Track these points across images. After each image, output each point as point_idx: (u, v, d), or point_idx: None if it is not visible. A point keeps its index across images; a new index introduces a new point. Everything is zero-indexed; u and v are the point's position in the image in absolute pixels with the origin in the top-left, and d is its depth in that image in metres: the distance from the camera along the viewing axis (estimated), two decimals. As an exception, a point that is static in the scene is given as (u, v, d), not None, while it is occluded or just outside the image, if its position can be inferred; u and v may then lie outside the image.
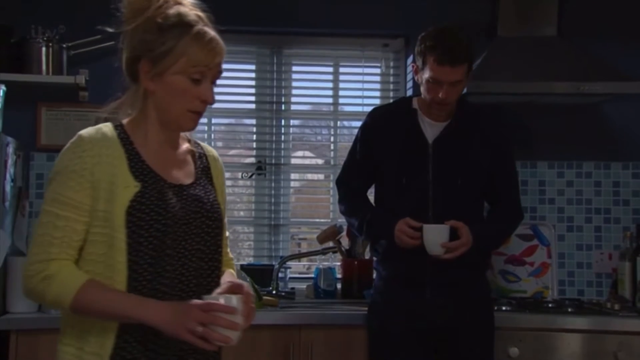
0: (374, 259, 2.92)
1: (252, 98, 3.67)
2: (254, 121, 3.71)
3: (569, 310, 3.01)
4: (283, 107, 3.69)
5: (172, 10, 1.67)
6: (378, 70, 3.73)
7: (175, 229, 1.67)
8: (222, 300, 1.59)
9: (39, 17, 3.28)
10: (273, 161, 3.66)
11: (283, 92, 3.68)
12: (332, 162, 3.74)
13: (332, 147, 3.77)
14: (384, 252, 2.74)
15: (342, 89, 3.75)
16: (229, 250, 1.90)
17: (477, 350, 2.68)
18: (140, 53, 1.67)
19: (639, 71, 3.25)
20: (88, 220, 1.63)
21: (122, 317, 1.60)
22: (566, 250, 3.50)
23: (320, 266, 3.42)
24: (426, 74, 2.59)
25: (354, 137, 2.89)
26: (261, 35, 3.55)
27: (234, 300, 1.60)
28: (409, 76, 3.55)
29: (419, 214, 2.61)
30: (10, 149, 2.92)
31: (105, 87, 3.53)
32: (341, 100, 3.75)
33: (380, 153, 2.73)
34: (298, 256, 3.63)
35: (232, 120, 3.78)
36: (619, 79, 3.16)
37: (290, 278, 3.54)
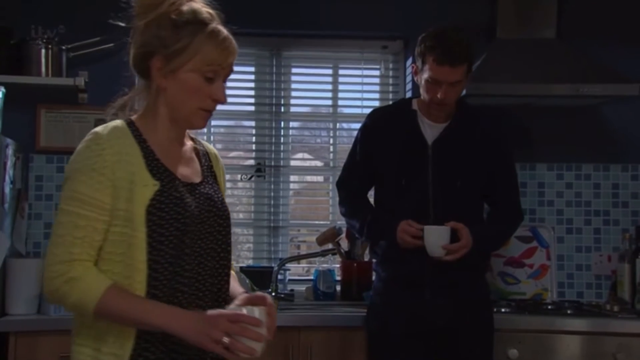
0: (373, 260, 2.92)
1: (252, 100, 3.67)
2: (253, 123, 3.71)
3: (568, 312, 3.01)
4: (282, 109, 3.69)
5: (186, 7, 1.66)
6: (377, 72, 3.73)
7: (192, 228, 1.66)
8: (244, 311, 1.59)
9: (38, 19, 3.29)
10: (272, 163, 3.66)
11: (282, 94, 3.69)
12: (331, 164, 3.74)
13: (331, 149, 3.77)
14: (383, 254, 2.74)
15: (342, 90, 3.75)
16: None
17: (476, 352, 2.68)
18: (154, 49, 1.65)
19: (638, 73, 3.25)
20: (108, 220, 1.61)
21: (146, 324, 1.58)
22: (565, 252, 3.50)
23: (320, 268, 3.42)
24: (425, 74, 2.59)
25: (353, 139, 2.89)
26: (261, 37, 3.56)
27: (260, 312, 1.60)
28: (408, 78, 3.56)
29: (418, 215, 2.61)
30: (10, 151, 2.92)
31: (105, 88, 3.53)
32: (340, 102, 3.76)
33: (380, 154, 2.73)
34: (297, 258, 3.64)
35: (232, 123, 3.79)
36: (618, 81, 3.16)
37: (289, 280, 3.54)
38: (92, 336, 1.63)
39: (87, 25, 3.28)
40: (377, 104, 3.67)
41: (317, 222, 3.77)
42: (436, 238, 2.57)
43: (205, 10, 1.68)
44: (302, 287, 3.43)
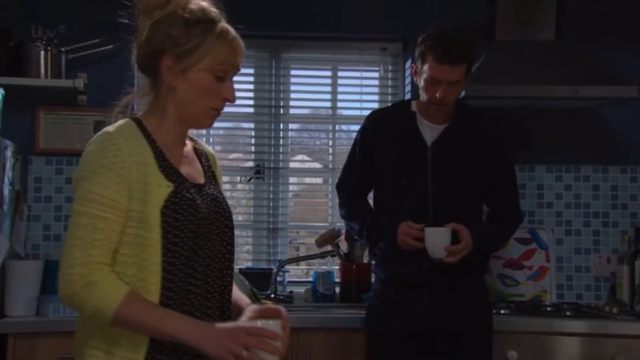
0: (372, 262, 2.92)
1: (251, 102, 3.67)
2: (252, 125, 3.71)
3: (568, 313, 3.01)
4: (282, 111, 3.69)
5: (195, 6, 1.66)
6: (376, 74, 3.73)
7: (204, 230, 1.66)
8: (259, 323, 1.59)
9: (38, 20, 3.29)
10: (272, 165, 3.66)
11: (282, 96, 3.69)
12: (330, 166, 3.74)
13: (330, 151, 3.77)
14: (382, 256, 2.74)
15: (341, 92, 3.75)
16: None
17: (475, 353, 2.68)
18: (164, 48, 1.64)
19: (637, 75, 3.26)
20: (124, 221, 1.59)
21: (164, 334, 1.57)
22: (564, 254, 3.50)
23: (319, 270, 3.42)
24: (425, 73, 2.60)
25: (352, 141, 2.89)
26: (260, 39, 3.56)
27: (276, 325, 1.61)
28: (407, 80, 3.56)
29: (418, 216, 2.61)
30: (9, 153, 2.92)
31: (104, 90, 3.53)
32: (339, 104, 3.76)
33: (379, 156, 2.73)
34: (296, 260, 3.63)
35: (231, 124, 3.79)
36: (617, 82, 3.17)
37: (288, 282, 3.54)
38: (106, 339, 1.60)
39: (87, 26, 3.29)
40: (376, 105, 3.67)
41: (316, 224, 3.77)
42: (437, 239, 2.57)
43: (212, 9, 1.68)
44: (301, 289, 3.43)
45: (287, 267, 3.50)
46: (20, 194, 3.11)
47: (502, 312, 2.98)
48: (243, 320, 1.64)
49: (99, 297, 1.54)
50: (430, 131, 2.71)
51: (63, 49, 3.19)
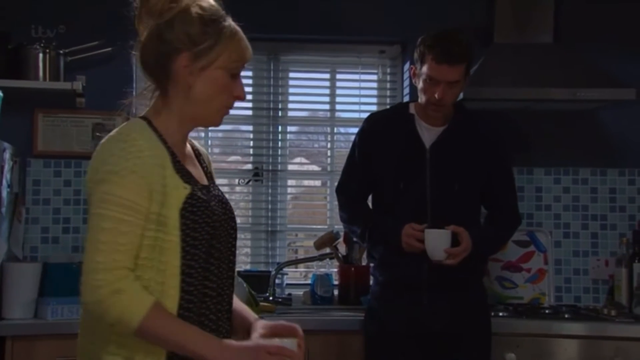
0: (371, 264, 2.92)
1: (249, 104, 3.67)
2: (251, 127, 3.71)
3: (566, 316, 3.01)
4: (280, 114, 3.69)
5: (206, 4, 1.65)
6: (375, 77, 3.73)
7: (218, 232, 1.66)
8: (276, 341, 1.60)
9: (38, 20, 3.30)
10: (270, 167, 3.66)
11: (280, 99, 3.69)
12: (328, 169, 3.75)
13: (328, 154, 3.77)
14: (381, 258, 2.75)
15: (339, 95, 3.75)
16: None
17: (474, 356, 2.68)
18: (182, 46, 1.62)
19: (635, 78, 3.26)
20: (145, 224, 1.56)
21: (184, 350, 1.55)
22: (563, 257, 3.50)
23: (317, 272, 3.42)
24: (424, 74, 2.60)
25: (350, 144, 2.90)
26: (258, 41, 3.53)
27: (293, 344, 1.61)
28: (406, 82, 3.56)
29: (416, 218, 2.62)
30: (7, 155, 2.92)
31: (103, 93, 3.56)
32: (338, 107, 3.76)
33: (378, 158, 2.74)
34: (295, 262, 3.63)
35: (229, 127, 3.78)
36: (615, 85, 3.17)
37: (287, 284, 3.53)
38: (124, 344, 1.57)
39: (86, 27, 3.29)
40: (374, 108, 3.67)
41: (314, 226, 3.76)
42: (438, 241, 2.57)
43: (219, 6, 1.68)
44: (299, 292, 3.43)
45: (285, 269, 3.50)
46: (18, 197, 3.11)
47: (501, 314, 2.98)
48: (256, 337, 1.64)
49: (125, 307, 1.51)
50: (428, 133, 2.71)
51: (62, 52, 3.19)
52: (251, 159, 3.69)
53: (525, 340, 2.86)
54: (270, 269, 3.47)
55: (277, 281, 3.39)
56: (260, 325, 1.70)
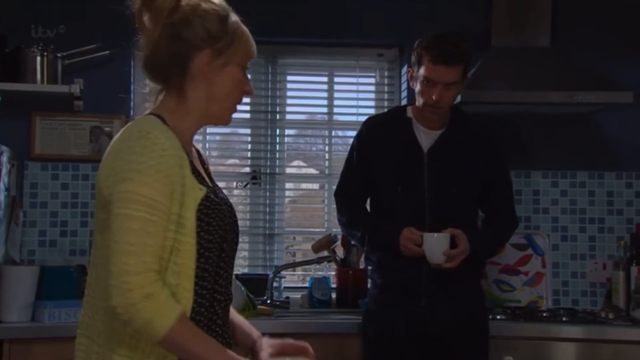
0: (369, 268, 2.92)
1: (247, 107, 3.67)
2: (248, 131, 3.71)
3: (564, 319, 3.01)
4: (278, 117, 3.69)
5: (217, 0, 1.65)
6: (372, 80, 3.74)
7: (228, 235, 1.64)
8: None
9: (38, 20, 3.30)
10: (268, 171, 3.66)
11: (278, 102, 3.69)
12: (326, 172, 3.75)
13: (326, 157, 3.77)
14: (379, 261, 2.75)
15: (337, 98, 3.75)
16: None
17: (472, 359, 2.68)
18: (202, 43, 1.60)
19: (632, 81, 3.26)
20: (167, 225, 1.52)
21: None
22: (560, 260, 3.50)
23: (315, 275, 3.42)
24: (421, 76, 2.60)
25: (348, 147, 2.90)
26: (256, 44, 3.56)
27: None
28: (404, 86, 3.57)
29: (415, 222, 2.62)
30: (4, 158, 2.92)
31: (100, 96, 3.56)
32: (336, 110, 3.76)
33: (376, 162, 2.74)
34: (292, 265, 3.63)
35: (227, 130, 3.78)
36: (612, 88, 3.17)
37: (284, 287, 3.53)
38: (137, 348, 1.53)
39: (86, 28, 3.29)
40: (372, 111, 3.67)
41: (312, 229, 3.76)
42: (436, 245, 2.57)
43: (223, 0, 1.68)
44: (297, 295, 3.43)
45: (283, 272, 3.50)
46: (15, 200, 3.11)
47: (499, 317, 2.98)
48: (265, 356, 1.63)
49: (154, 312, 1.46)
50: (426, 137, 2.71)
51: (59, 55, 3.19)
52: (249, 162, 3.69)
53: (523, 343, 2.86)
54: (268, 272, 3.46)
55: (274, 284, 3.38)
56: (267, 343, 1.68)
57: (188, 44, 1.61)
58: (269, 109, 3.68)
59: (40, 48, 3.13)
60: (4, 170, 2.90)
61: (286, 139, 3.75)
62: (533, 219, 3.52)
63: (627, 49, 3.51)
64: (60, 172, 3.34)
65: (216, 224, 1.59)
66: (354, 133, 2.90)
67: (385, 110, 3.52)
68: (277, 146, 3.69)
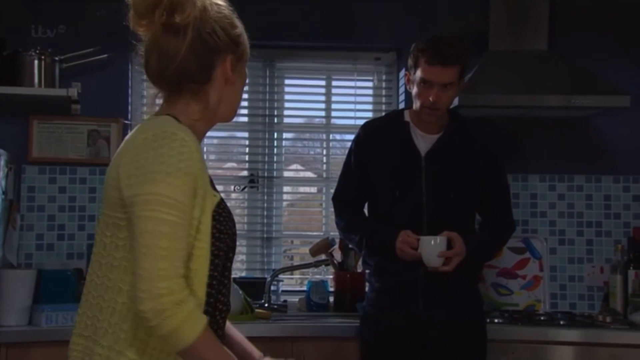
0: (366, 271, 2.92)
1: (245, 111, 3.67)
2: (246, 134, 3.71)
3: (561, 322, 3.01)
4: (275, 120, 3.69)
5: (219, 1, 1.64)
6: (370, 84, 3.74)
7: (234, 243, 1.63)
8: None
9: (37, 22, 3.30)
10: (266, 174, 3.66)
11: (275, 105, 3.69)
12: (324, 175, 3.75)
13: (324, 160, 3.77)
14: (376, 265, 2.74)
15: (335, 102, 3.76)
16: None
17: (469, 362, 2.69)
18: (227, 49, 1.61)
19: (630, 85, 3.27)
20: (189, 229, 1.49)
21: None
22: (558, 264, 3.50)
23: (313, 279, 3.42)
24: (417, 77, 2.61)
25: (346, 150, 2.90)
26: (253, 48, 3.53)
27: None
28: (401, 89, 3.57)
29: (413, 226, 2.62)
30: (2, 162, 2.92)
31: (98, 100, 3.56)
32: (334, 114, 3.76)
33: (374, 166, 2.74)
34: (290, 269, 3.63)
35: (225, 134, 3.78)
36: (609, 92, 3.18)
37: (282, 291, 3.53)
38: (145, 352, 1.50)
39: (85, 30, 3.29)
40: (370, 115, 3.67)
41: (310, 233, 3.76)
42: (433, 248, 2.57)
43: None
44: (295, 298, 3.43)
45: (281, 276, 3.49)
46: (13, 203, 3.10)
47: (496, 321, 2.98)
48: None
49: (183, 320, 1.42)
50: (423, 141, 2.71)
51: (57, 58, 3.19)
52: (247, 165, 3.69)
53: (521, 346, 2.86)
54: (266, 276, 3.46)
55: (272, 288, 3.38)
56: None
57: (215, 51, 1.60)
58: (267, 113, 3.68)
59: (38, 51, 3.13)
60: (1, 174, 2.89)
61: (284, 143, 3.75)
62: (530, 223, 3.52)
63: (625, 53, 3.51)
64: (58, 175, 3.34)
65: (226, 231, 1.58)
66: (351, 137, 2.90)
67: (383, 113, 3.53)
68: (275, 150, 3.69)
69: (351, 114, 3.75)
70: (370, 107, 3.75)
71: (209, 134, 3.91)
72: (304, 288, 3.45)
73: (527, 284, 3.41)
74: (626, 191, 3.54)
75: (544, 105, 3.22)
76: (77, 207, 3.33)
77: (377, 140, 2.76)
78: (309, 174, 3.87)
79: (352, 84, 3.74)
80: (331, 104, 3.75)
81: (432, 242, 2.57)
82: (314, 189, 3.92)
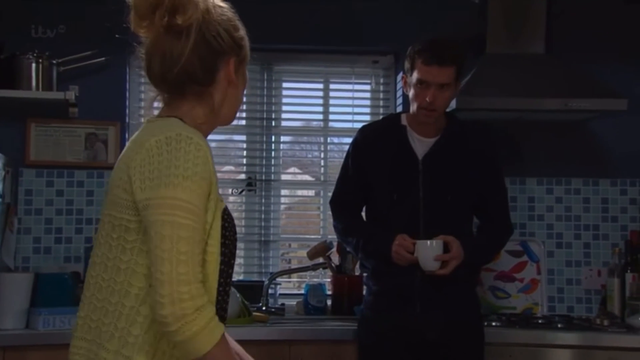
0: (364, 274, 2.92)
1: (243, 114, 3.67)
2: (244, 137, 3.71)
3: (559, 326, 3.01)
4: (273, 124, 3.70)
5: (221, 3, 1.65)
6: (368, 87, 3.74)
7: (236, 249, 1.63)
8: None
9: (37, 22, 3.30)
10: (263, 177, 3.66)
11: (273, 109, 3.69)
12: (322, 179, 3.75)
13: (322, 164, 3.77)
14: (374, 268, 2.75)
15: (333, 105, 3.76)
16: None
17: (467, 365, 2.69)
18: (231, 51, 1.62)
19: (627, 88, 3.28)
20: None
21: None
22: (555, 267, 3.51)
23: (310, 282, 3.41)
24: (414, 79, 2.61)
25: (343, 154, 2.90)
26: (251, 51, 3.55)
27: None
28: (399, 92, 3.57)
29: (410, 229, 2.62)
30: (-1, 165, 2.91)
31: (95, 103, 3.55)
32: (331, 117, 3.76)
33: (371, 169, 2.74)
34: (288, 272, 3.63)
35: (223, 137, 3.78)
36: (607, 95, 3.18)
37: (280, 294, 3.53)
38: (155, 357, 1.48)
39: (84, 32, 3.29)
40: (367, 118, 3.68)
41: (307, 236, 3.76)
42: (429, 252, 2.57)
43: None
44: (292, 302, 3.43)
45: (278, 279, 3.50)
46: (10, 207, 3.10)
47: (494, 324, 2.98)
48: None
49: (202, 328, 1.41)
50: (420, 145, 2.71)
51: (54, 61, 3.19)
52: (244, 168, 3.69)
53: (518, 350, 2.86)
54: (264, 279, 3.46)
55: (270, 291, 3.38)
56: None
57: (219, 53, 1.60)
58: (265, 116, 3.68)
59: (35, 54, 3.12)
60: (-2, 177, 2.89)
61: (282, 146, 3.75)
62: (528, 226, 3.52)
63: (622, 56, 3.52)
64: (55, 178, 3.34)
65: (230, 237, 1.58)
66: (349, 140, 2.90)
67: (381, 117, 3.53)
68: (273, 153, 3.69)
69: (349, 117, 3.75)
70: (367, 110, 3.75)
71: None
72: (302, 291, 3.45)
73: (524, 287, 3.41)
74: (623, 194, 3.55)
75: (541, 109, 3.22)
76: (74, 210, 3.32)
77: (375, 143, 2.76)
78: (307, 177, 3.87)
79: (349, 87, 3.74)
80: (329, 107, 3.76)
81: (429, 246, 2.58)
82: (311, 192, 3.92)
